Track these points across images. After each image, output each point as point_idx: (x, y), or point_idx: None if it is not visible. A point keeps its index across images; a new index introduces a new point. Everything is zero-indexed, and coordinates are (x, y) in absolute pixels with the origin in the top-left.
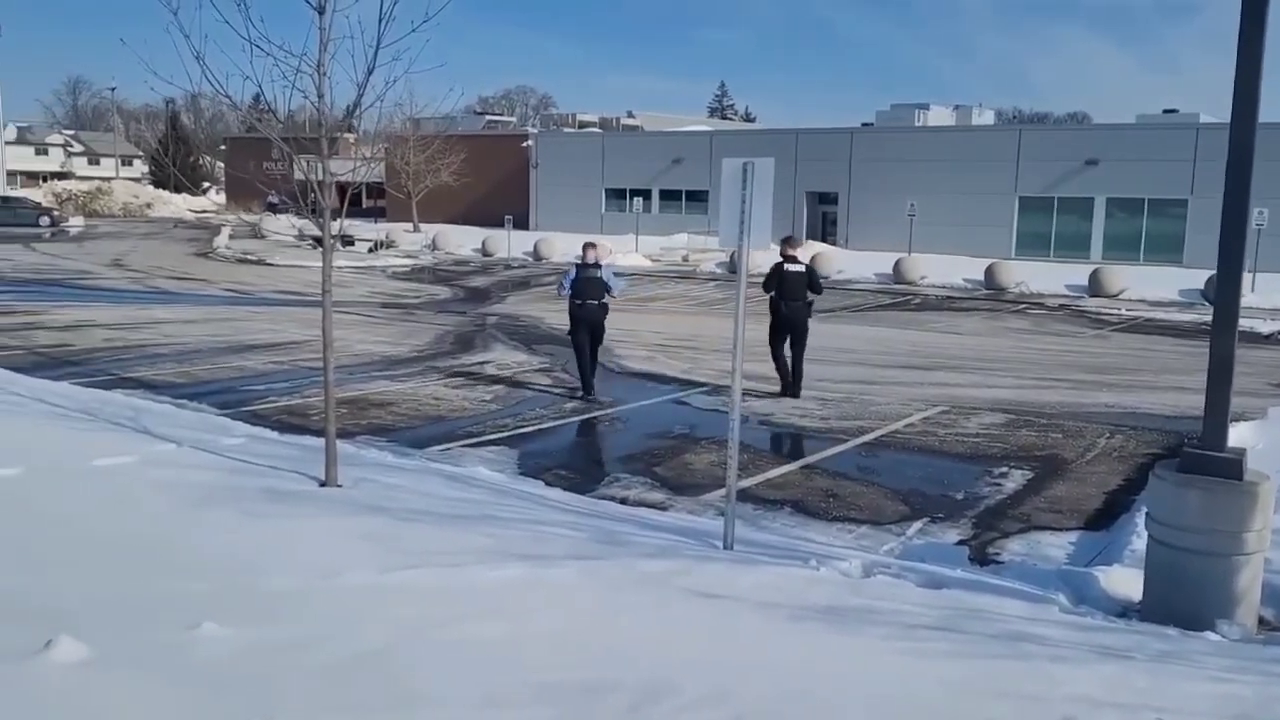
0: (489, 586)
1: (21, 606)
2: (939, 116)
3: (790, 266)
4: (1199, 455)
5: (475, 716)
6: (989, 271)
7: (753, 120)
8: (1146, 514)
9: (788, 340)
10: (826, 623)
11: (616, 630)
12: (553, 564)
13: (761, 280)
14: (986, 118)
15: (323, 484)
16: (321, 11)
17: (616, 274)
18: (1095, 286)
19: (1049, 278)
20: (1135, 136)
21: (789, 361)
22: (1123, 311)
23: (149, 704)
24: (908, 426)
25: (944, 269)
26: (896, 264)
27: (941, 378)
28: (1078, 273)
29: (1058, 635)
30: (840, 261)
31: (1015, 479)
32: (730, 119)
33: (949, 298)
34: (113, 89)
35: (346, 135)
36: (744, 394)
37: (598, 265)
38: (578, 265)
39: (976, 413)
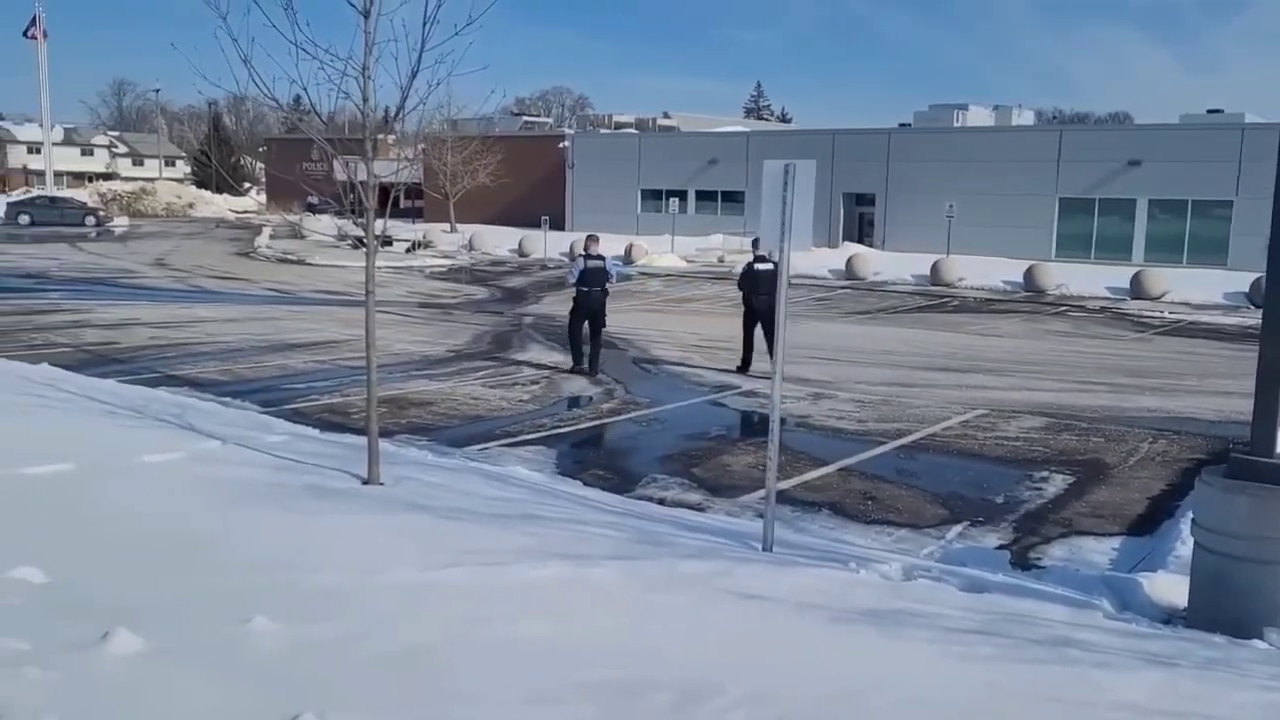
0: (530, 585)
1: (79, 599)
2: (978, 117)
3: (760, 266)
4: (1247, 461)
5: (519, 714)
6: (1028, 273)
7: (789, 121)
8: (1192, 520)
9: (758, 326)
10: (868, 625)
11: (657, 630)
12: (594, 563)
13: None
14: (1026, 118)
15: (365, 482)
16: (366, 15)
17: (614, 266)
18: (1137, 289)
19: (1089, 280)
20: (1179, 137)
21: (755, 343)
22: (1165, 314)
23: (202, 696)
24: (946, 429)
25: (982, 271)
26: (934, 265)
27: (980, 380)
28: (1119, 275)
29: (1102, 641)
30: (877, 263)
31: (1056, 483)
32: (766, 119)
33: (988, 300)
34: (157, 91)
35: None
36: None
37: (601, 257)
38: (585, 257)
39: (1016, 416)
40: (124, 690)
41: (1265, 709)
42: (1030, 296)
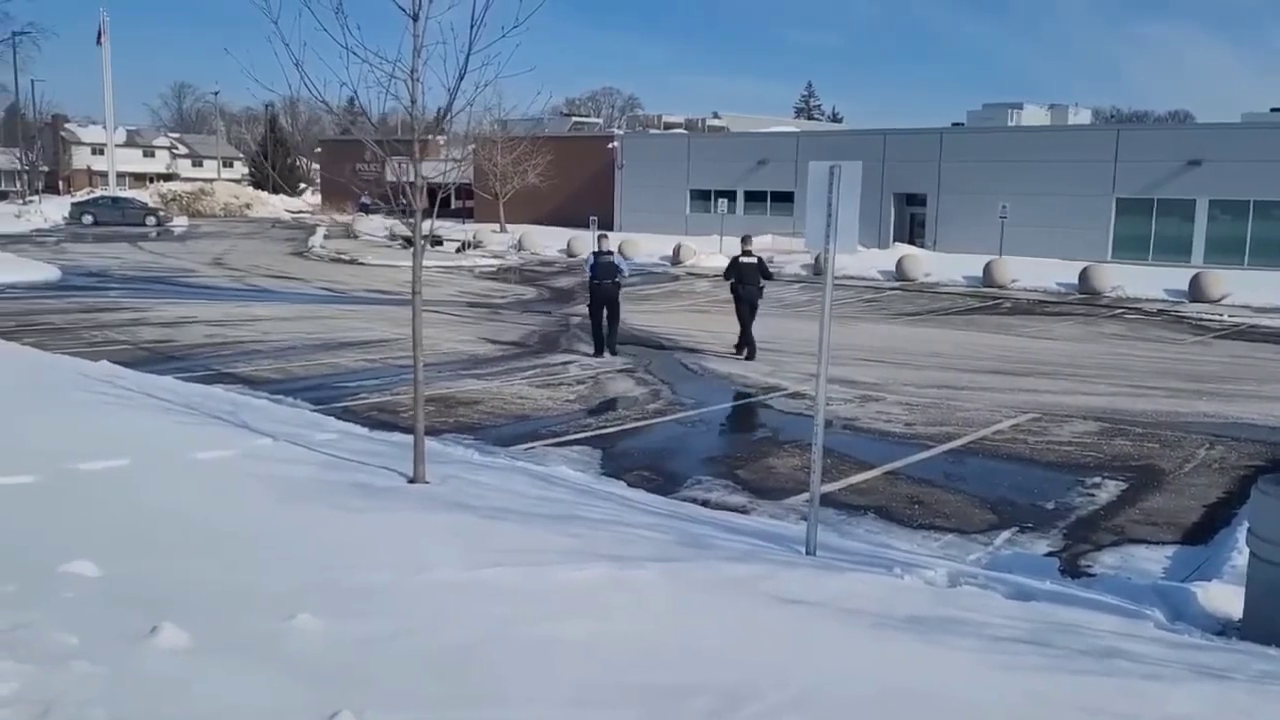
0: (573, 586)
1: (129, 592)
2: (1033, 116)
3: (744, 259)
4: None
5: (561, 715)
6: (1083, 275)
7: (840, 121)
8: (1248, 530)
9: (741, 313)
10: (910, 632)
11: (699, 633)
12: (636, 565)
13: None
14: (1083, 117)
15: (411, 480)
16: (415, 18)
17: (625, 262)
18: (1196, 291)
19: (1147, 282)
20: (1241, 136)
21: (744, 330)
22: (1225, 318)
23: (244, 693)
24: (996, 433)
25: (1036, 272)
26: (986, 267)
27: (1032, 384)
28: (1178, 277)
29: (1152, 652)
30: (927, 264)
31: (1109, 489)
32: (817, 119)
33: (1041, 301)
34: (215, 93)
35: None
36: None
37: (610, 253)
38: (595, 253)
39: (1069, 420)
40: (169, 685)
41: None
42: (1085, 299)
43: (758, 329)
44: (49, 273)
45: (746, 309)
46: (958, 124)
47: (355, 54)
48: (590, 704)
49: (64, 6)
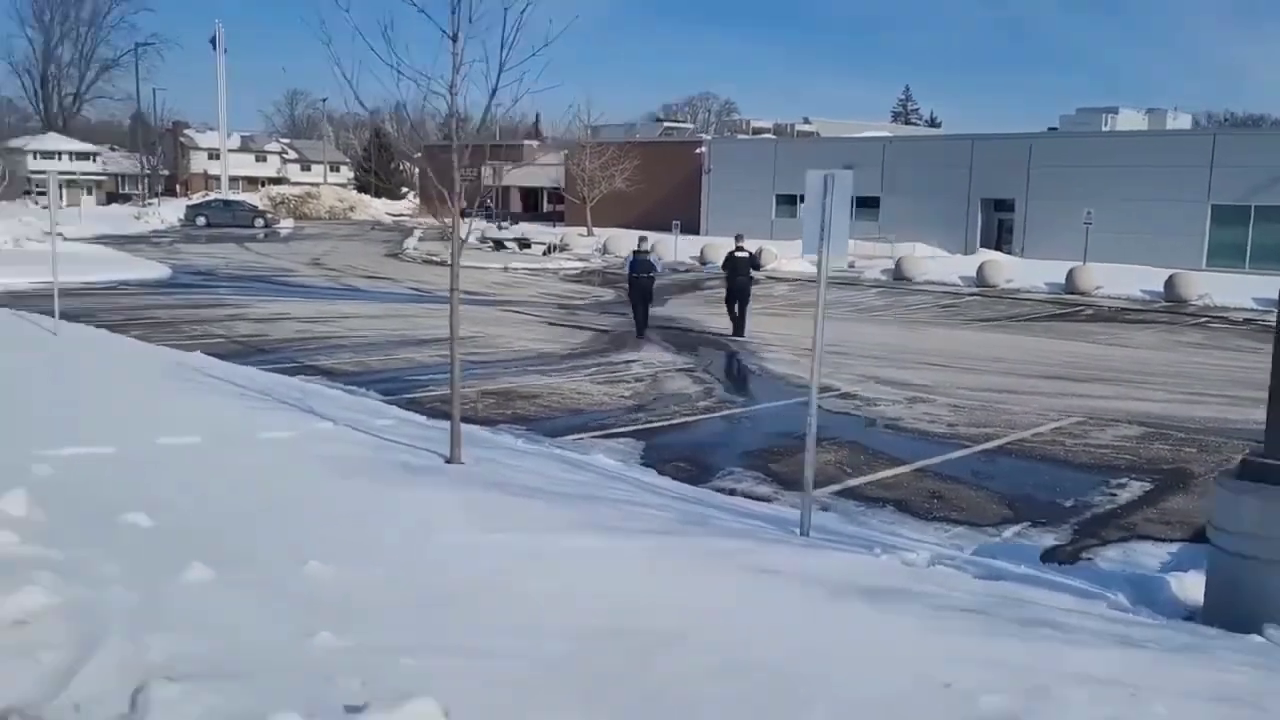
0: (567, 551)
1: (172, 539)
2: (1129, 120)
3: (738, 253)
4: (1258, 464)
5: (510, 642)
6: (1169, 283)
7: (938, 125)
8: (1208, 521)
9: (736, 300)
10: (862, 599)
11: (661, 592)
12: (630, 537)
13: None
14: (1182, 121)
15: (448, 461)
16: (455, 39)
17: (657, 260)
18: None
19: (1239, 290)
20: None
21: (737, 313)
22: None
23: (247, 614)
24: (1036, 435)
25: (1122, 279)
26: (1070, 273)
27: (1088, 389)
28: (1272, 286)
29: (1084, 624)
30: (1010, 270)
31: (1132, 490)
32: (914, 124)
33: (1123, 309)
34: (324, 100)
35: (531, 143)
36: (874, 398)
37: (648, 252)
38: (636, 252)
39: (1113, 424)
40: (185, 607)
41: (1214, 686)
42: (1170, 307)
43: (827, 333)
44: (160, 271)
45: (741, 297)
46: (1053, 129)
47: (401, 73)
48: (538, 635)
49: (187, 18)
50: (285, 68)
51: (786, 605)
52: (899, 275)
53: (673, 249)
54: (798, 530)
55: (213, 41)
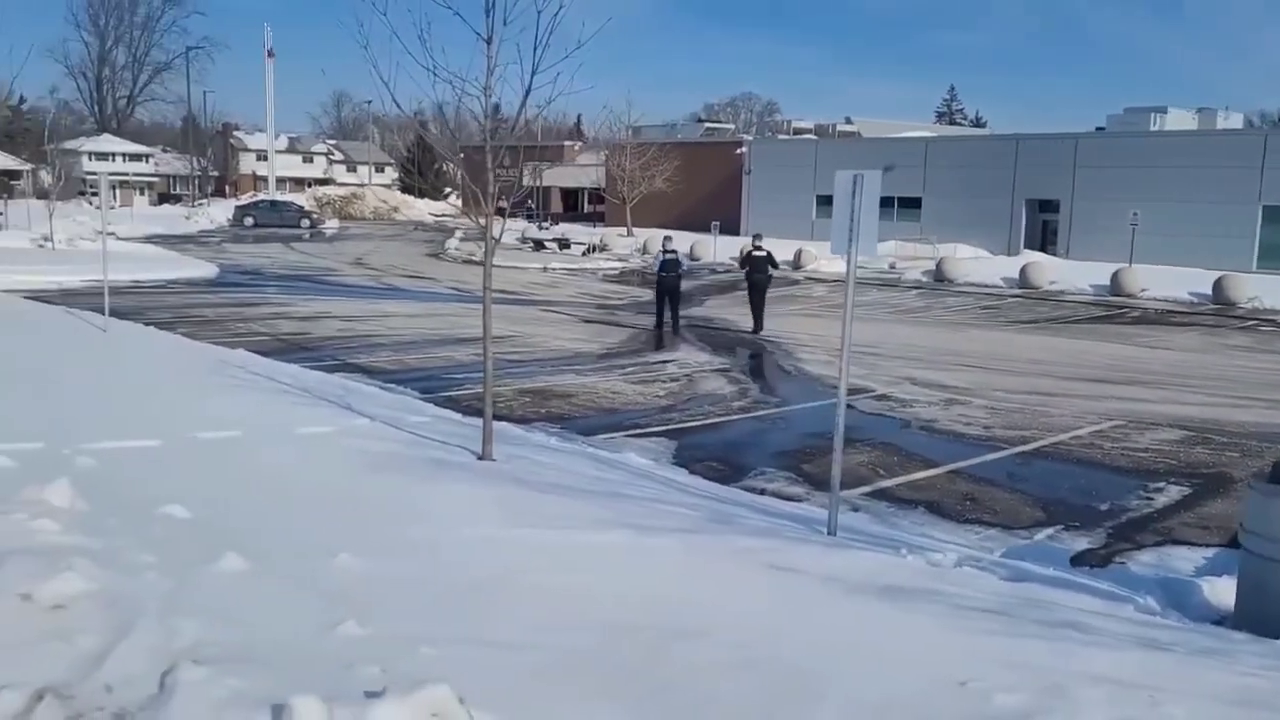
0: (590, 547)
1: (209, 530)
2: (1178, 120)
3: (756, 252)
4: None
5: (527, 635)
6: (1217, 285)
7: (983, 125)
8: (1239, 525)
9: (752, 297)
10: (882, 598)
11: (681, 589)
12: (655, 534)
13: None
14: (1233, 121)
15: (480, 458)
16: (489, 41)
17: (684, 259)
18: None
19: None
20: None
21: (756, 310)
22: None
23: (276, 603)
24: (1073, 438)
25: (1169, 281)
26: (1115, 275)
27: (1128, 392)
28: None
29: (1107, 627)
30: (1053, 272)
31: (1170, 494)
32: (959, 124)
33: (1169, 312)
34: (369, 102)
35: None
36: (909, 399)
37: (674, 252)
38: (663, 251)
39: (1153, 428)
40: (216, 595)
41: (1235, 690)
42: (1218, 309)
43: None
44: (207, 270)
45: (758, 293)
46: (1100, 128)
47: (436, 75)
48: (557, 628)
49: (237, 21)
50: (324, 70)
51: (806, 603)
52: (940, 276)
53: (712, 250)
54: (825, 530)
55: (271, 52)
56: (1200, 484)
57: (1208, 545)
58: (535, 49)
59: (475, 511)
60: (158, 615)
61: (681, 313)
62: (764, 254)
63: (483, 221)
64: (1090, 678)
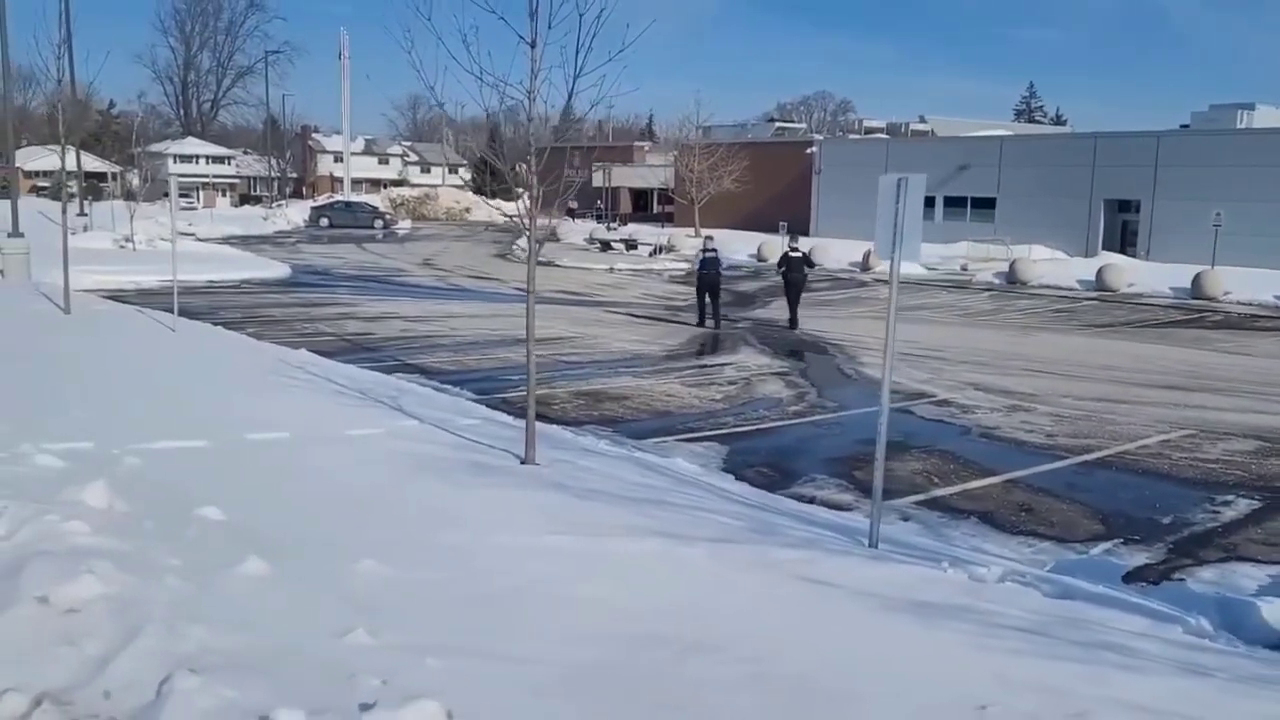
0: (622, 555)
1: (239, 533)
2: (1267, 117)
3: (792, 253)
4: None
5: (546, 649)
6: None
7: (1064, 123)
8: None
9: (790, 295)
10: (913, 614)
11: (705, 601)
12: (690, 543)
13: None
14: None
15: (523, 462)
16: (533, 45)
17: (724, 257)
18: None
19: None
20: None
21: (791, 307)
22: None
23: (290, 608)
24: (1140, 448)
25: (1254, 285)
26: (1196, 278)
27: (1202, 400)
28: None
29: (1151, 650)
30: (1132, 274)
31: (1238, 508)
32: (1039, 121)
33: (1251, 316)
34: (442, 104)
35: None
36: (971, 405)
37: (715, 250)
38: (704, 250)
39: (1225, 438)
40: (232, 599)
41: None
42: None
43: (932, 337)
44: (280, 270)
45: (794, 292)
46: (1184, 126)
47: (482, 80)
48: (571, 641)
49: (315, 25)
50: (369, 75)
51: (832, 617)
52: (1013, 278)
53: (779, 251)
54: (866, 541)
55: (343, 56)
56: (1272, 498)
57: (1274, 563)
58: (577, 53)
59: (510, 518)
60: (169, 620)
61: (745, 314)
62: (800, 255)
63: (543, 222)
64: (1119, 704)
